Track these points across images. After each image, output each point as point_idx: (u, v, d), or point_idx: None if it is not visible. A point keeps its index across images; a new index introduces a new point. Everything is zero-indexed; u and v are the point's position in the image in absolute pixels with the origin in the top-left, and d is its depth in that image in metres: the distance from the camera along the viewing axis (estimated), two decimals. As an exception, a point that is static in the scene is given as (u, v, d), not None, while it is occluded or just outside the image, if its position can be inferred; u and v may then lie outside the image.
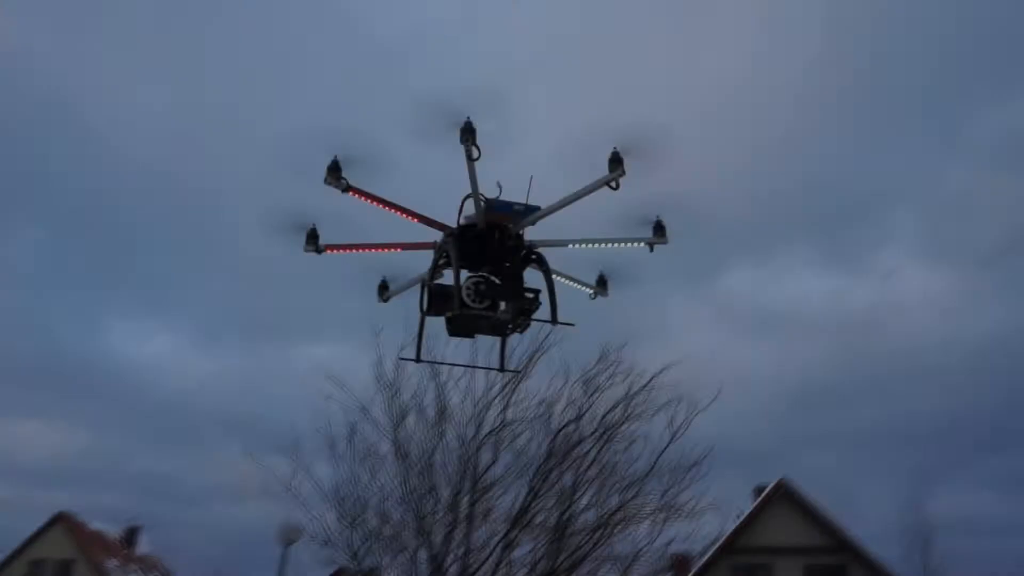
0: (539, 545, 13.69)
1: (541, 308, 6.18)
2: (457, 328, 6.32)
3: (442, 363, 7.46)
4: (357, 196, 6.01)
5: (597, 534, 13.76)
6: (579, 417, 13.95)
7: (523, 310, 6.19)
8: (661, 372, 13.57)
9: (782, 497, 25.52)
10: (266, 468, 14.25)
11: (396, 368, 14.18)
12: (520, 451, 13.92)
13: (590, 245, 6.47)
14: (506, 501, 13.92)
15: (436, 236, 6.35)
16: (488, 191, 6.04)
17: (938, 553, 25.72)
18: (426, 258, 6.46)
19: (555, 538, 13.64)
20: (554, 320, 6.27)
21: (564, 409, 13.93)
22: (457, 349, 7.47)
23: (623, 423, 13.91)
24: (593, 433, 13.90)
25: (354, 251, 6.62)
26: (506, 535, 13.51)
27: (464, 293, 6.03)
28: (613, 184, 5.91)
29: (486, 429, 13.93)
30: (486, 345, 7.70)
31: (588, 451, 13.98)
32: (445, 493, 13.94)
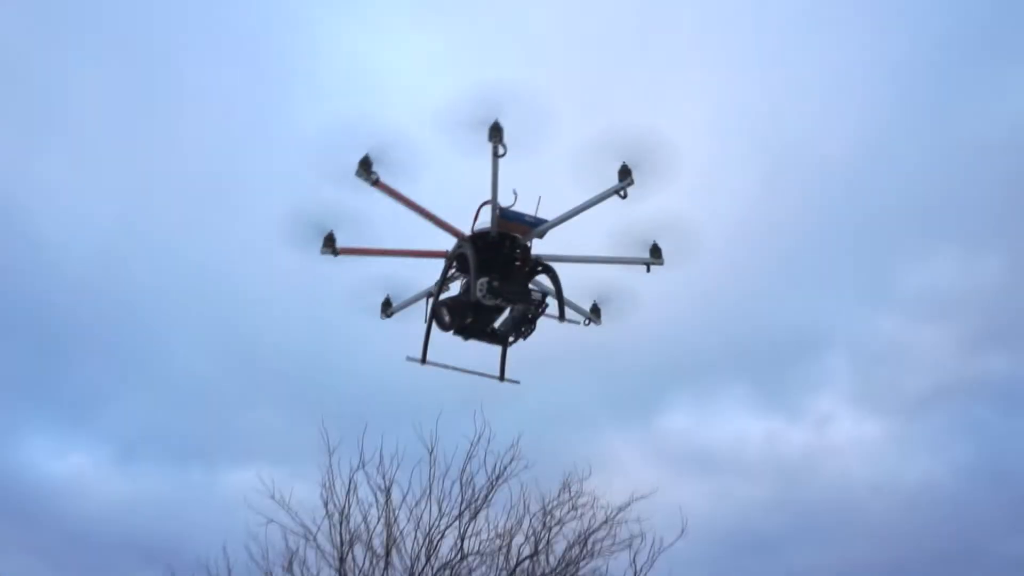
0: None
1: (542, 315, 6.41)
2: (468, 333, 6.53)
3: (446, 367, 6.64)
4: (383, 191, 6.28)
5: None
6: (536, 552, 13.40)
7: (530, 314, 6.39)
8: (627, 506, 13.21)
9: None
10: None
11: (348, 488, 13.55)
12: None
13: (593, 265, 6.88)
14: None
15: (446, 245, 6.60)
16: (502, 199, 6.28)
17: None
18: (430, 271, 6.78)
19: None
20: (562, 317, 6.55)
21: (522, 543, 13.37)
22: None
23: (583, 559, 13.42)
24: (554, 570, 13.33)
25: (368, 255, 6.93)
26: None
27: (479, 290, 6.12)
28: (622, 193, 6.15)
29: (439, 561, 13.22)
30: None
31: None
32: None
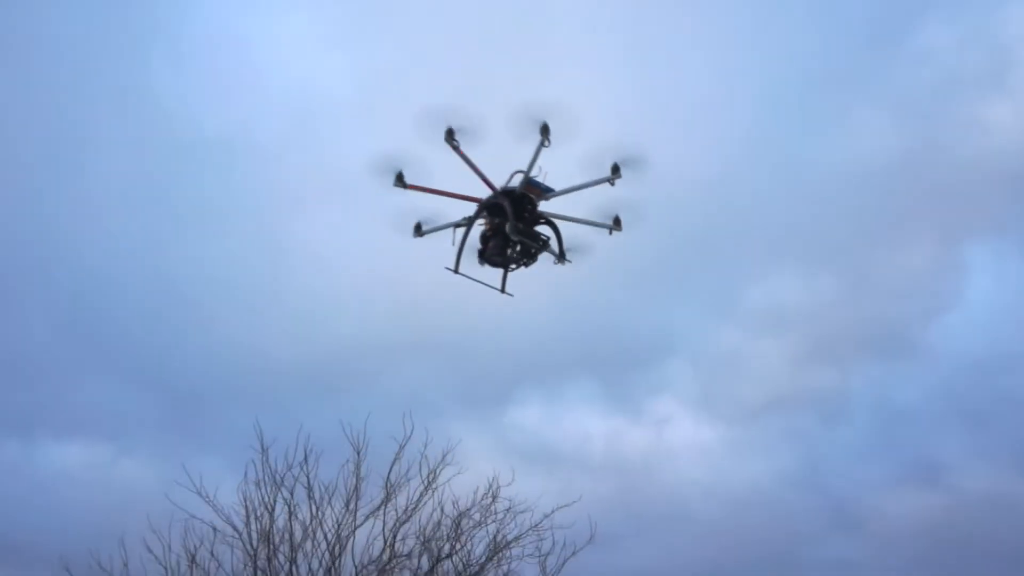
0: None
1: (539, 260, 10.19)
2: (491, 257, 9.87)
3: (472, 279, 10.09)
4: (460, 157, 9.71)
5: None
6: (452, 554, 13.34)
7: (534, 249, 9.89)
8: (551, 514, 13.42)
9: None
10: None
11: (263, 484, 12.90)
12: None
13: (574, 223, 10.15)
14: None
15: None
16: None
17: None
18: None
19: None
20: (561, 257, 10.11)
21: (442, 546, 13.26)
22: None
23: (494, 561, 13.48)
24: (466, 570, 13.31)
25: (431, 193, 10.03)
26: None
27: (509, 228, 9.52)
28: (611, 183, 9.55)
29: (357, 559, 12.89)
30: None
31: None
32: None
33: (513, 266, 9.87)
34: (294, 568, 12.73)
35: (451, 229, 10.05)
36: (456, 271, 9.89)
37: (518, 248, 9.67)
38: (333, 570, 12.91)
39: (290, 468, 12.92)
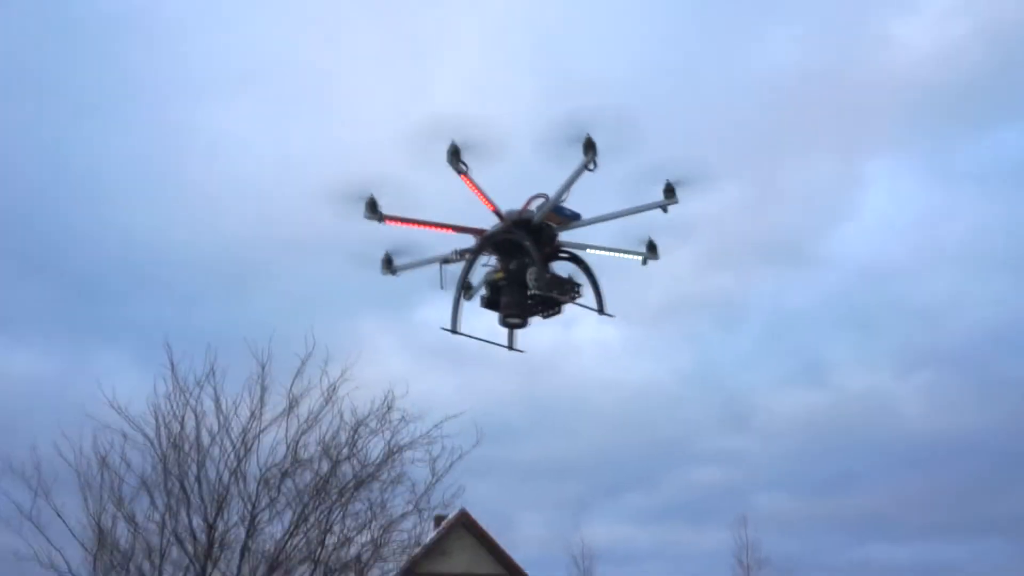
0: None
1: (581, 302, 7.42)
2: (509, 318, 7.23)
3: (477, 338, 7.37)
4: (466, 182, 6.94)
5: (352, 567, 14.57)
6: (349, 457, 14.63)
7: (562, 301, 7.26)
8: (440, 424, 14.67)
9: (461, 527, 27.81)
10: None
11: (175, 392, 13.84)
12: (293, 490, 14.27)
13: (602, 252, 7.55)
14: (268, 536, 14.18)
15: (480, 224, 7.24)
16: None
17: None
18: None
19: (314, 573, 14.16)
20: (601, 310, 7.45)
21: (340, 451, 14.52)
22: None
23: (388, 464, 14.85)
24: (362, 472, 14.66)
25: (411, 225, 7.31)
26: (270, 567, 13.76)
27: (534, 278, 6.87)
28: (664, 209, 6.99)
29: (262, 464, 14.09)
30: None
31: (352, 490, 14.70)
32: (204, 522, 13.80)
33: (549, 313, 7.32)
34: (202, 471, 13.86)
35: (436, 266, 7.41)
36: (455, 331, 7.34)
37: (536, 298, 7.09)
38: (239, 471, 14.09)
39: (198, 383, 13.83)
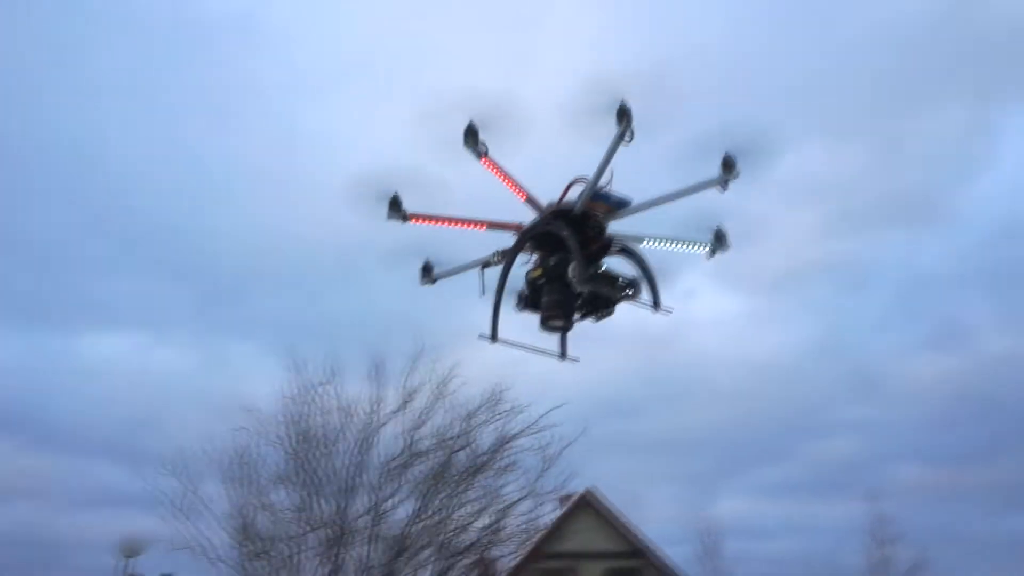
0: (423, 564, 15.14)
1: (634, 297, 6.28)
2: (550, 320, 6.24)
3: (522, 346, 6.27)
4: (488, 166, 6.09)
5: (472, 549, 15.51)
6: (465, 447, 15.49)
7: (614, 299, 6.27)
8: (545, 414, 15.30)
9: (586, 505, 28.44)
10: (152, 483, 14.55)
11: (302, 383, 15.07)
12: (413, 479, 15.27)
13: (662, 244, 6.55)
14: (394, 523, 15.24)
15: (518, 218, 6.34)
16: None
17: (724, 554, 29.95)
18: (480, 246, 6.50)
19: (438, 557, 15.15)
20: (657, 305, 6.38)
21: (454, 441, 15.42)
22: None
23: (500, 453, 15.64)
24: (476, 461, 15.51)
25: (437, 223, 6.49)
26: (398, 552, 14.79)
27: (575, 274, 5.93)
28: (722, 187, 5.93)
29: (382, 455, 15.15)
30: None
31: (467, 478, 15.56)
32: (335, 511, 14.94)
33: (577, 318, 6.33)
34: (329, 465, 15.01)
35: (477, 271, 6.56)
36: (494, 339, 6.40)
37: (584, 297, 6.20)
38: (363, 463, 15.18)
39: (322, 383, 15.00)
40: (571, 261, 6.05)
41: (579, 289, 6.06)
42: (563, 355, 6.75)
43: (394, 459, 15.10)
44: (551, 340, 6.58)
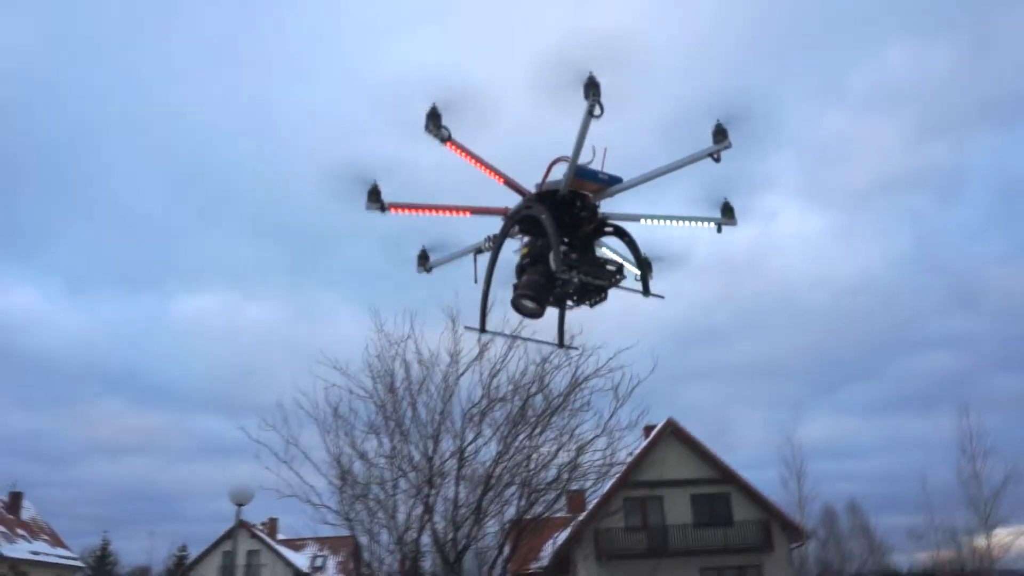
0: (508, 501, 16.24)
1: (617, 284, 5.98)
2: (521, 301, 5.89)
3: (507, 335, 6.46)
4: (454, 150, 5.79)
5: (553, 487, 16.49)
6: (540, 390, 16.35)
7: (603, 284, 5.92)
8: (614, 357, 15.98)
9: (670, 435, 29.20)
10: (255, 436, 15.90)
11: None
12: (493, 423, 16.26)
13: (660, 222, 6.25)
14: (479, 463, 16.32)
15: (504, 202, 6.13)
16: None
17: (811, 475, 30.25)
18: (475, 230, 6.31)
19: (521, 495, 16.19)
20: (646, 291, 6.23)
21: (530, 385, 16.30)
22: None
23: (574, 395, 16.46)
24: (551, 403, 16.38)
25: (419, 212, 6.28)
26: (484, 490, 15.88)
27: (554, 260, 5.62)
28: (715, 157, 5.63)
29: (464, 403, 16.17)
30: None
31: (545, 419, 16.45)
32: (423, 456, 16.08)
33: (571, 304, 6.05)
34: (415, 415, 16.12)
35: (470, 257, 6.38)
36: (483, 330, 6.40)
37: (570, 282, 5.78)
38: (445, 411, 16.23)
39: (403, 339, 16.06)
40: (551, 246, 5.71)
41: (559, 274, 5.70)
42: (562, 343, 6.88)
43: (474, 405, 16.09)
44: (549, 339, 6.79)
